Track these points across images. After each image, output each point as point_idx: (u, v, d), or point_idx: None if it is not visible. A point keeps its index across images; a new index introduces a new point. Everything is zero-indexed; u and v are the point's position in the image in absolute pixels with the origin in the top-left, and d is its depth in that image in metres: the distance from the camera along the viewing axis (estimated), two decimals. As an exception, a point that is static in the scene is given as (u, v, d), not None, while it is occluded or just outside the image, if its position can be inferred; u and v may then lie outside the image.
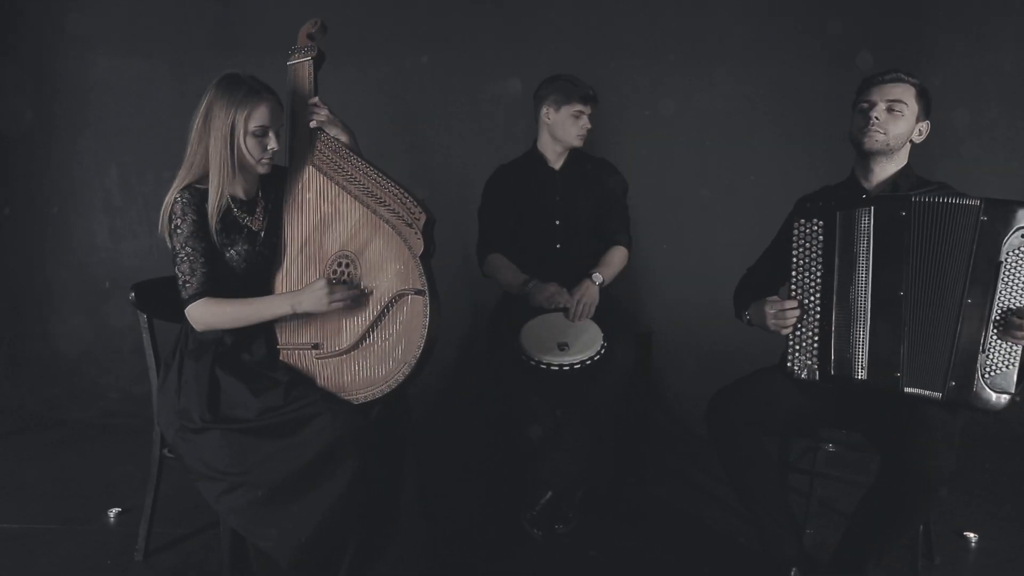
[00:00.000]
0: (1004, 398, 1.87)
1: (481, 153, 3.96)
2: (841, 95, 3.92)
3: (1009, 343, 1.86)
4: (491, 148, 3.96)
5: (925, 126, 2.14)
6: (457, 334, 4.01)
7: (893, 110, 2.08)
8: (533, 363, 2.46)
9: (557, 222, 2.86)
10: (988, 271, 1.85)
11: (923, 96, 2.12)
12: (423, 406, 3.74)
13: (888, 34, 3.93)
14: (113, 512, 2.58)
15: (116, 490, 2.76)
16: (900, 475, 1.78)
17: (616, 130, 4.04)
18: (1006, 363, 1.86)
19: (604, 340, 2.53)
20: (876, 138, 2.09)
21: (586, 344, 2.50)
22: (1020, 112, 3.95)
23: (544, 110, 2.82)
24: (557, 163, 2.90)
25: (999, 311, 1.85)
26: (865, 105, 2.13)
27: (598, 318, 2.64)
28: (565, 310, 2.66)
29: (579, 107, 2.78)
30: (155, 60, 4.04)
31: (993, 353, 1.86)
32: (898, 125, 2.09)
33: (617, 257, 2.87)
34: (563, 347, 2.48)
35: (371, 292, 1.99)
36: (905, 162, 2.15)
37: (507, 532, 2.48)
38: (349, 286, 1.98)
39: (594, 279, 2.73)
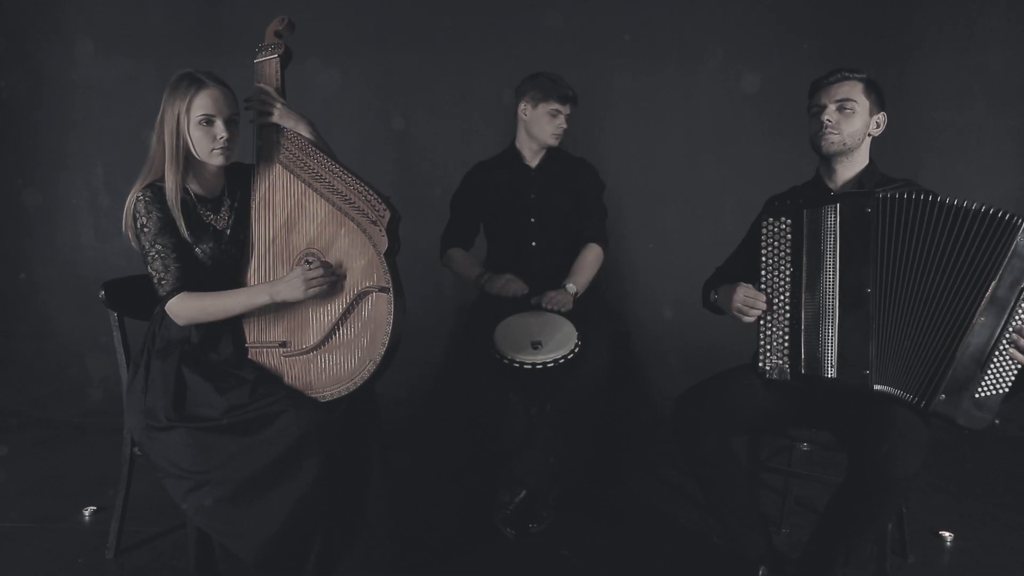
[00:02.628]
0: (987, 419, 1.84)
1: (468, 152, 3.96)
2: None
3: (1009, 366, 1.81)
4: (478, 147, 3.97)
5: (881, 118, 2.12)
6: (443, 333, 4.02)
7: (844, 109, 2.08)
8: (506, 362, 2.46)
9: (532, 220, 2.86)
10: (1010, 294, 1.78)
11: (872, 89, 2.10)
12: (411, 405, 3.76)
13: (874, 33, 3.93)
14: (88, 510, 2.58)
15: (95, 489, 2.76)
16: (865, 474, 1.77)
17: (602, 129, 4.04)
18: (1000, 386, 1.83)
19: (579, 339, 2.52)
20: (831, 139, 2.08)
21: (560, 343, 2.49)
22: (1006, 111, 3.94)
23: (522, 106, 2.83)
24: (533, 161, 2.90)
25: (1009, 336, 1.80)
26: (816, 109, 2.12)
27: (573, 317, 2.64)
28: (538, 305, 2.68)
29: (556, 106, 2.77)
30: (141, 60, 4.05)
31: (991, 375, 1.82)
32: (851, 123, 2.08)
33: (591, 258, 2.86)
34: (536, 346, 2.48)
35: (345, 275, 2.00)
36: (867, 160, 2.13)
37: (479, 531, 2.48)
38: (325, 270, 1.98)
39: (568, 289, 2.74)
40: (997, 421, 1.84)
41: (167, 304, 1.97)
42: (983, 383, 1.82)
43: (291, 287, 1.96)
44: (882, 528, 1.94)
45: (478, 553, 2.37)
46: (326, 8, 3.98)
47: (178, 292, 1.96)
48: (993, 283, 1.78)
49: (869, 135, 2.12)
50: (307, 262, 2.00)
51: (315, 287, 1.96)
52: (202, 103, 1.94)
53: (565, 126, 2.82)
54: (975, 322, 1.80)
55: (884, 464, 1.73)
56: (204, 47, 4.02)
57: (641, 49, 3.99)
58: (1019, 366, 1.82)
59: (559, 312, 2.67)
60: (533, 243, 2.87)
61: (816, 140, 2.12)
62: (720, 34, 3.97)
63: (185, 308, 1.97)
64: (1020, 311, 1.78)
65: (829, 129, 2.08)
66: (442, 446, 3.22)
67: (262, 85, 2.12)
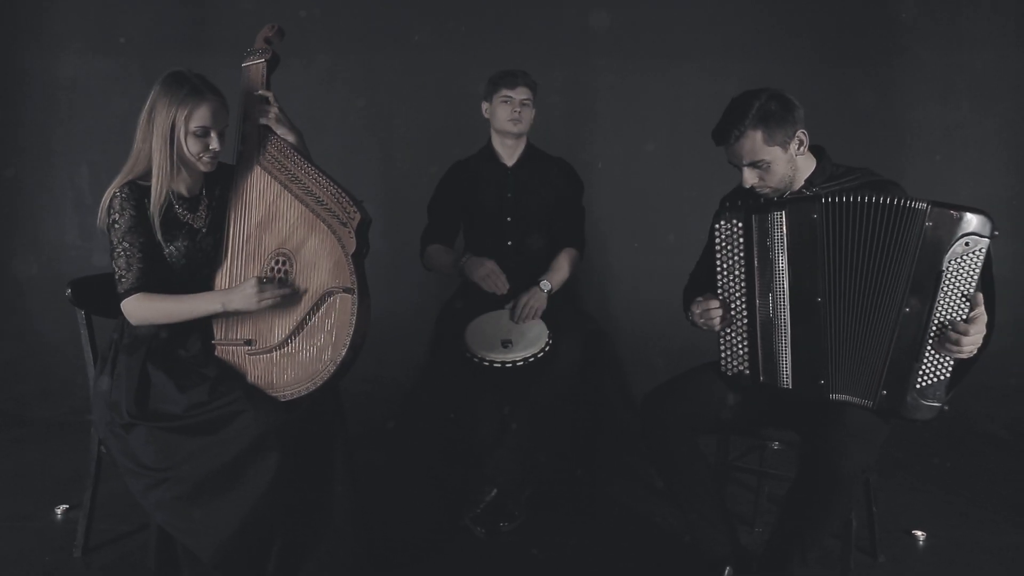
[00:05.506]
0: (934, 407, 1.83)
1: (453, 152, 3.96)
2: (812, 92, 3.92)
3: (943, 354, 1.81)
4: (464, 146, 3.96)
5: (801, 134, 1.97)
6: (426, 333, 4.00)
7: (757, 167, 1.97)
8: (476, 360, 2.46)
9: (509, 219, 2.85)
10: (929, 280, 1.77)
11: (771, 128, 1.92)
12: (392, 404, 3.75)
13: (861, 31, 3.93)
14: (60, 508, 2.59)
15: (71, 487, 2.75)
16: (814, 469, 1.78)
17: (587, 128, 4.04)
18: (939, 373, 1.82)
19: (549, 338, 2.52)
20: (765, 193, 2.01)
21: (530, 342, 2.49)
22: (991, 111, 3.94)
23: (485, 106, 2.85)
24: (510, 160, 2.89)
25: (936, 322, 1.78)
26: (733, 167, 2.02)
27: (545, 316, 2.63)
28: (511, 311, 2.67)
29: (505, 92, 2.76)
30: (126, 59, 4.06)
31: (927, 363, 1.81)
32: (774, 173, 1.97)
33: (567, 260, 2.85)
34: (507, 344, 2.48)
35: (304, 291, 2.00)
36: (815, 163, 2.04)
37: (449, 530, 2.48)
38: (280, 285, 1.98)
39: (542, 287, 2.72)
40: (946, 407, 1.84)
41: (122, 302, 1.97)
42: (922, 373, 1.82)
43: (243, 298, 1.95)
44: (836, 523, 1.91)
45: (447, 552, 2.36)
46: (310, 8, 3.99)
47: (135, 292, 1.96)
48: (911, 272, 1.78)
49: (799, 155, 2.00)
50: (277, 262, 2.01)
51: (267, 300, 1.95)
52: (203, 115, 1.95)
53: (519, 110, 2.78)
54: (901, 314, 1.80)
55: (832, 458, 1.73)
56: (189, 46, 4.02)
57: (626, 48, 3.99)
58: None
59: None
60: (509, 242, 2.86)
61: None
62: (706, 32, 3.97)
63: (138, 308, 1.97)
64: (943, 296, 1.77)
65: (759, 188, 2.00)
66: (417, 445, 3.21)
67: (263, 92, 2.12)
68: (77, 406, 3.75)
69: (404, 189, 3.98)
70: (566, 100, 4.06)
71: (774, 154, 1.94)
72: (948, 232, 1.75)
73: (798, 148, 1.98)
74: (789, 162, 1.98)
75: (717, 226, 2.00)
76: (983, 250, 1.75)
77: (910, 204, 1.77)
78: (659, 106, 4.02)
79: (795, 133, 1.96)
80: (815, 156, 2.06)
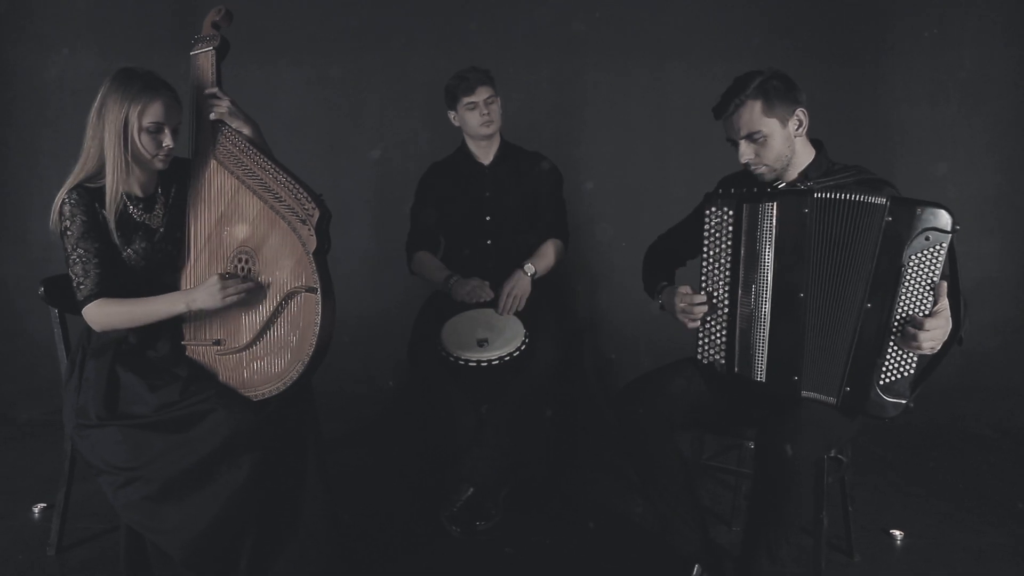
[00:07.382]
0: (899, 404, 1.82)
1: (439, 151, 3.96)
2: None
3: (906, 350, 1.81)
4: (449, 146, 3.96)
5: (801, 115, 1.96)
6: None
7: (754, 140, 1.95)
8: (452, 359, 2.46)
9: (488, 218, 2.85)
10: (889, 275, 1.77)
11: (772, 101, 1.92)
12: (377, 403, 3.75)
13: (849, 31, 3.91)
14: (38, 507, 2.59)
15: (51, 486, 2.74)
16: (766, 459, 1.79)
17: (577, 127, 4.03)
18: (902, 369, 1.81)
19: (526, 336, 2.52)
20: (760, 171, 1.99)
21: (506, 340, 2.49)
22: (979, 110, 3.92)
23: (451, 115, 2.86)
24: (486, 158, 2.89)
25: (898, 317, 1.78)
26: (730, 142, 2.01)
27: (523, 315, 2.63)
28: (495, 302, 2.67)
29: (467, 99, 2.76)
30: (114, 58, 4.04)
31: (891, 359, 1.81)
32: (770, 149, 1.95)
33: (551, 249, 2.85)
34: (482, 343, 2.47)
35: (268, 285, 1.99)
36: (813, 153, 2.02)
37: (424, 529, 2.47)
38: (243, 280, 1.97)
39: (526, 270, 2.72)
40: (911, 405, 1.83)
41: (83, 310, 1.96)
42: (885, 369, 1.81)
43: (207, 295, 1.94)
44: (796, 515, 1.88)
45: (422, 551, 2.36)
46: (299, 8, 3.98)
47: (95, 298, 1.94)
48: (872, 268, 1.79)
49: (798, 136, 1.99)
50: (240, 259, 2.00)
51: (232, 296, 1.94)
52: (156, 111, 1.93)
53: (487, 111, 2.78)
54: (863, 309, 1.80)
55: (780, 446, 1.74)
56: (177, 46, 3.97)
57: (615, 47, 3.98)
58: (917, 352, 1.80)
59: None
60: (489, 241, 2.86)
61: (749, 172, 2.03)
62: (695, 31, 3.96)
63: (100, 315, 1.95)
64: (904, 292, 1.77)
65: (752, 166, 1.99)
66: (398, 444, 3.21)
67: (215, 90, 2.09)
68: (60, 405, 3.75)
69: (390, 189, 3.97)
70: (554, 99, 4.05)
71: (772, 126, 1.93)
72: (907, 227, 1.75)
73: (797, 128, 1.97)
74: (787, 140, 1.96)
75: (708, 212, 1.99)
76: (944, 245, 1.74)
77: (873, 201, 1.78)
78: (647, 105, 4.01)
79: (795, 111, 1.95)
80: (815, 148, 2.04)
